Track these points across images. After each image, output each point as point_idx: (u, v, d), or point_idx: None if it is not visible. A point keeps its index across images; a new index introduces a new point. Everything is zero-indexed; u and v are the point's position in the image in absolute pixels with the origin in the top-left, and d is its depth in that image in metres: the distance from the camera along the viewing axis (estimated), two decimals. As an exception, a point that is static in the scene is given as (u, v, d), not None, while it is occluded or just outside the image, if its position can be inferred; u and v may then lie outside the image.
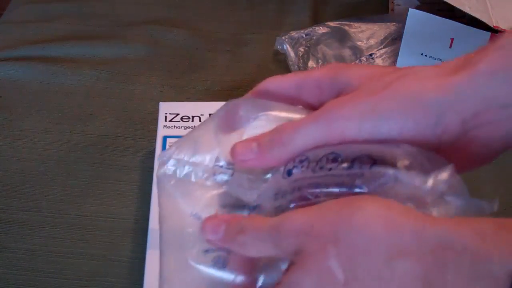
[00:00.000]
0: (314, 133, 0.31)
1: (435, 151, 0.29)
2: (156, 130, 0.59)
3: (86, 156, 0.56)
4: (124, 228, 0.49)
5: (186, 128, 0.52)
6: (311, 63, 0.66)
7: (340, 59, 0.67)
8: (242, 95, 0.63)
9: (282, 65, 0.68)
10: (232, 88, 0.65)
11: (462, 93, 0.28)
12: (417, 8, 0.65)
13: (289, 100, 0.35)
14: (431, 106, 0.29)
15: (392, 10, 0.74)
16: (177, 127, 0.52)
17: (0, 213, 0.50)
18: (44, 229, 0.49)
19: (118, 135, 0.58)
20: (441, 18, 0.58)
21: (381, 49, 0.67)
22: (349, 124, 0.30)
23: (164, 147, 0.50)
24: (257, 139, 0.32)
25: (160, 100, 0.63)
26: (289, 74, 0.36)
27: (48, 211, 0.51)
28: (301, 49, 0.67)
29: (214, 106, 0.53)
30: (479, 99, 0.28)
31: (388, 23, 0.70)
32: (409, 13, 0.60)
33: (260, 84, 0.37)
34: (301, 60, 0.66)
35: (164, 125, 0.52)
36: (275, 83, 0.36)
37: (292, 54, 0.66)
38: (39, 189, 0.53)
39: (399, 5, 0.73)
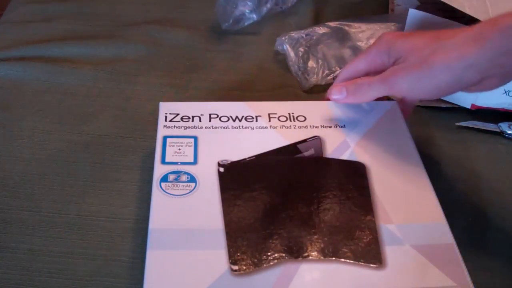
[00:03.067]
0: (381, 90, 0.49)
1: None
2: (155, 130, 0.59)
3: (86, 156, 0.56)
4: (124, 228, 0.49)
5: (186, 128, 0.51)
6: (311, 63, 0.66)
7: (340, 59, 0.66)
8: (242, 95, 0.64)
9: (282, 65, 0.68)
10: (232, 88, 0.65)
11: (476, 58, 0.44)
12: (417, 8, 0.65)
13: (364, 74, 0.53)
14: (458, 69, 0.44)
15: (392, 10, 0.74)
16: (177, 127, 0.51)
17: (0, 213, 0.50)
18: (44, 229, 0.49)
19: (118, 135, 0.58)
20: (441, 18, 0.58)
21: (381, 49, 0.66)
22: (403, 87, 0.48)
23: (164, 147, 0.50)
24: (345, 86, 0.52)
25: (160, 100, 0.63)
26: (356, 59, 0.53)
27: (48, 211, 0.51)
28: (301, 49, 0.67)
29: (215, 106, 0.54)
30: (487, 62, 0.44)
31: (388, 23, 0.70)
32: (409, 13, 0.60)
33: (341, 73, 0.54)
34: (301, 60, 0.66)
35: (164, 125, 0.52)
36: (351, 68, 0.54)
37: (292, 54, 0.66)
38: (39, 189, 0.53)
39: (399, 5, 0.73)
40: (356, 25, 0.70)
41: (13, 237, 0.48)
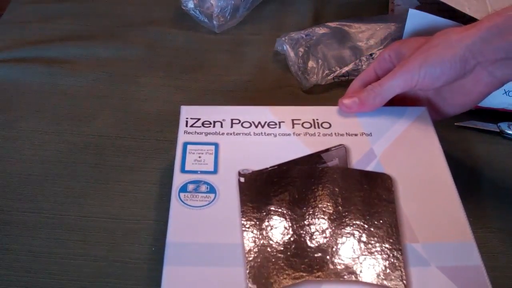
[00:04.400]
0: (394, 84, 0.50)
1: (460, 80, 0.49)
2: (156, 130, 0.59)
3: (86, 157, 0.56)
4: (126, 229, 0.49)
5: (207, 135, 0.49)
6: (311, 63, 0.66)
7: (340, 59, 0.67)
8: (242, 95, 0.64)
9: (282, 65, 0.68)
10: (232, 88, 0.65)
11: (473, 40, 0.47)
12: (417, 8, 0.65)
13: (376, 79, 0.54)
14: (458, 49, 0.48)
15: (392, 10, 0.74)
16: (198, 133, 0.50)
17: (1, 214, 0.50)
18: (45, 230, 0.49)
19: (118, 136, 0.58)
20: (441, 18, 0.58)
21: (381, 49, 0.67)
22: (413, 73, 0.49)
23: (184, 154, 0.48)
24: (357, 95, 0.52)
25: (160, 101, 0.63)
26: (366, 69, 0.55)
27: (49, 212, 0.51)
28: (301, 49, 0.67)
29: (237, 110, 0.53)
30: (481, 42, 0.47)
31: (388, 23, 0.70)
32: (409, 13, 0.60)
33: (352, 83, 0.55)
34: (301, 61, 0.66)
35: (185, 131, 0.50)
36: (362, 76, 0.55)
37: (292, 54, 0.66)
38: (39, 190, 0.53)
39: (399, 5, 0.73)
40: (356, 25, 0.70)
41: (14, 238, 0.48)
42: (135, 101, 0.63)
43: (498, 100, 0.59)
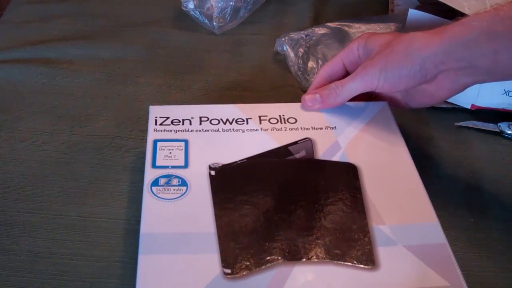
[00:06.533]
0: (355, 86, 0.51)
1: (421, 86, 0.50)
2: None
3: (86, 157, 0.56)
4: (126, 229, 0.49)
5: (176, 132, 0.51)
6: (311, 64, 0.66)
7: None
8: (241, 95, 0.64)
9: (282, 66, 0.68)
10: (232, 88, 0.65)
11: (435, 50, 0.47)
12: (417, 8, 0.65)
13: (342, 70, 0.55)
14: (417, 58, 0.48)
15: (392, 10, 0.74)
16: (167, 131, 0.51)
17: (1, 214, 0.50)
18: (45, 230, 0.49)
19: (118, 136, 0.58)
20: (441, 18, 0.58)
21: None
22: (373, 77, 0.50)
23: (154, 151, 0.49)
24: (318, 92, 0.53)
25: (160, 101, 0.63)
26: (335, 57, 0.55)
27: (49, 213, 0.51)
28: (301, 49, 0.67)
29: (205, 109, 0.54)
30: (444, 53, 0.47)
31: (388, 23, 0.70)
32: (409, 13, 0.60)
33: (318, 73, 0.56)
34: (301, 61, 0.66)
35: (154, 129, 0.51)
36: (329, 66, 0.55)
37: (292, 55, 0.66)
38: (39, 190, 0.52)
39: (399, 5, 0.73)
40: (356, 25, 0.70)
41: (14, 239, 0.48)
42: (134, 101, 0.63)
43: (498, 100, 0.59)
